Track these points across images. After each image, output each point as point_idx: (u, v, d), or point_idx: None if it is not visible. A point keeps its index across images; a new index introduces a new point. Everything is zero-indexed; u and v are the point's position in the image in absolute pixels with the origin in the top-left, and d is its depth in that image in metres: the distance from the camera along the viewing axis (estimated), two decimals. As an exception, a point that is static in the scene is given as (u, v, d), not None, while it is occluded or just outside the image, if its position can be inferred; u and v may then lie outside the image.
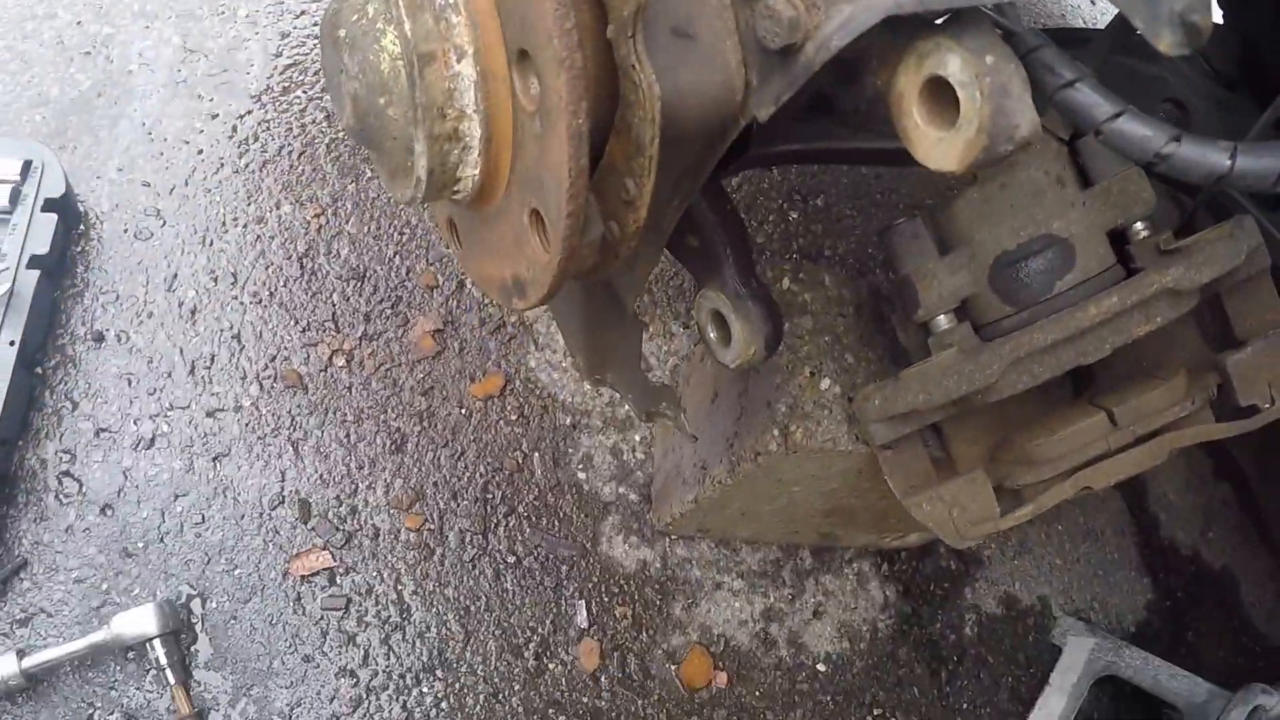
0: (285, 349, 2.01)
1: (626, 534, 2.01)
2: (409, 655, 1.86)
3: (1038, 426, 1.40)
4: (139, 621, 1.74)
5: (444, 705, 1.84)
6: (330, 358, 2.01)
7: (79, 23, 2.24)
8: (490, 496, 1.98)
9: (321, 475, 1.93)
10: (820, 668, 2.00)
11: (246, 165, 2.15)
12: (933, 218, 1.35)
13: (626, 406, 2.04)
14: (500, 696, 1.86)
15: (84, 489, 1.86)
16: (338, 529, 1.90)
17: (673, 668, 1.94)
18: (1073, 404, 1.44)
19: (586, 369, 1.40)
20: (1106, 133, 0.91)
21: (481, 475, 1.99)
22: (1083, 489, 1.38)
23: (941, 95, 0.79)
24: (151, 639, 1.73)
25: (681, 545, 2.02)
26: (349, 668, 1.83)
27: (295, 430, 1.95)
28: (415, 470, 1.97)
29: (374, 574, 1.89)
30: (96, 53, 2.19)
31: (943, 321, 1.30)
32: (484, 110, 0.90)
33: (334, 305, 2.06)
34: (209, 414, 1.94)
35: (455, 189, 0.98)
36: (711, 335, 1.23)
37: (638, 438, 2.07)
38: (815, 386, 1.49)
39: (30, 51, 2.17)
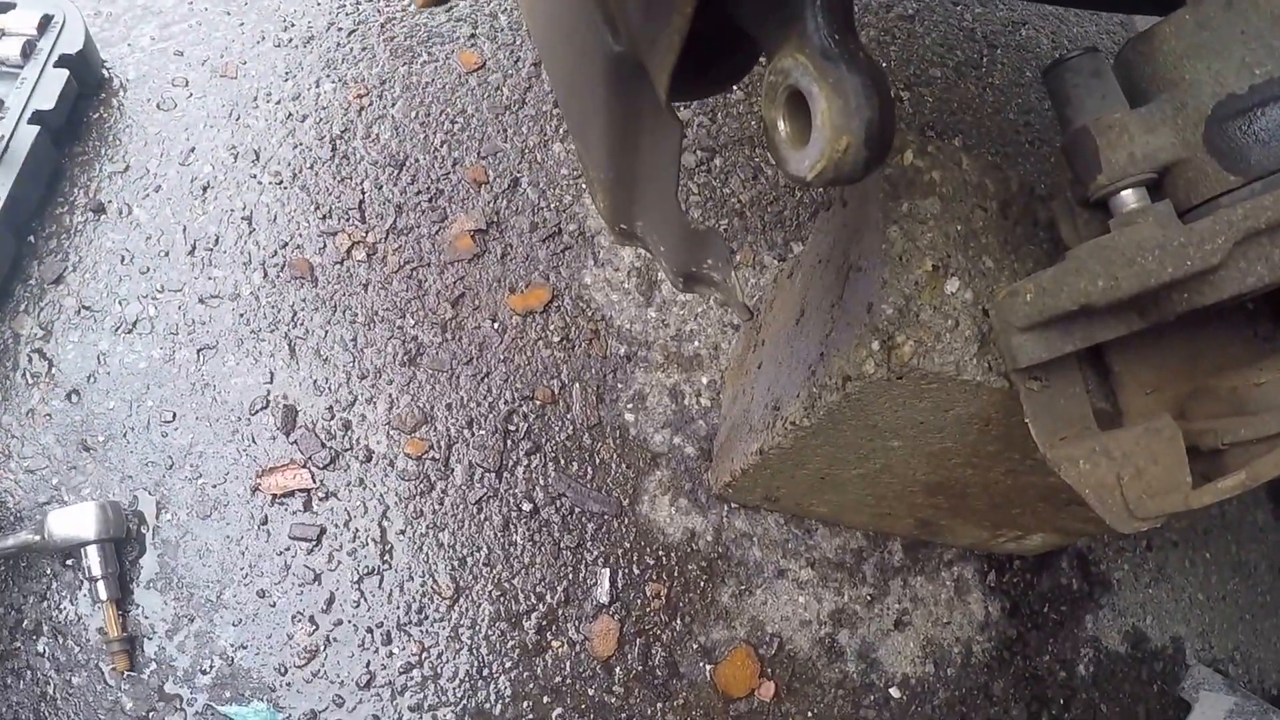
0: (300, 236, 1.71)
1: (675, 494, 1.59)
2: (382, 606, 1.49)
3: (1253, 370, 0.94)
4: (75, 523, 1.45)
5: (414, 674, 1.46)
6: (350, 250, 1.71)
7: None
8: (513, 429, 1.61)
9: (316, 381, 1.62)
10: (894, 693, 1.52)
11: (290, 40, 1.90)
12: (1121, 59, 0.94)
13: (664, 275, 1.64)
14: (485, 672, 1.47)
15: (54, 370, 1.60)
16: (324, 445, 1.57)
17: (708, 668, 1.50)
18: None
19: (610, 208, 1.03)
20: None
21: (506, 403, 1.62)
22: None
23: None
24: (86, 544, 1.45)
25: (742, 517, 1.59)
26: (309, 612, 1.48)
27: (295, 327, 1.65)
28: (428, 388, 1.63)
29: (357, 503, 1.55)
30: (150, -85, 2.01)
31: (1129, 198, 0.88)
32: None
33: (363, 193, 1.76)
34: (202, 300, 1.66)
35: None
36: (782, 130, 0.79)
37: (705, 380, 1.66)
38: (937, 287, 1.06)
39: (82, -88, 2.01)
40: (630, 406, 1.64)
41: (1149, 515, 0.94)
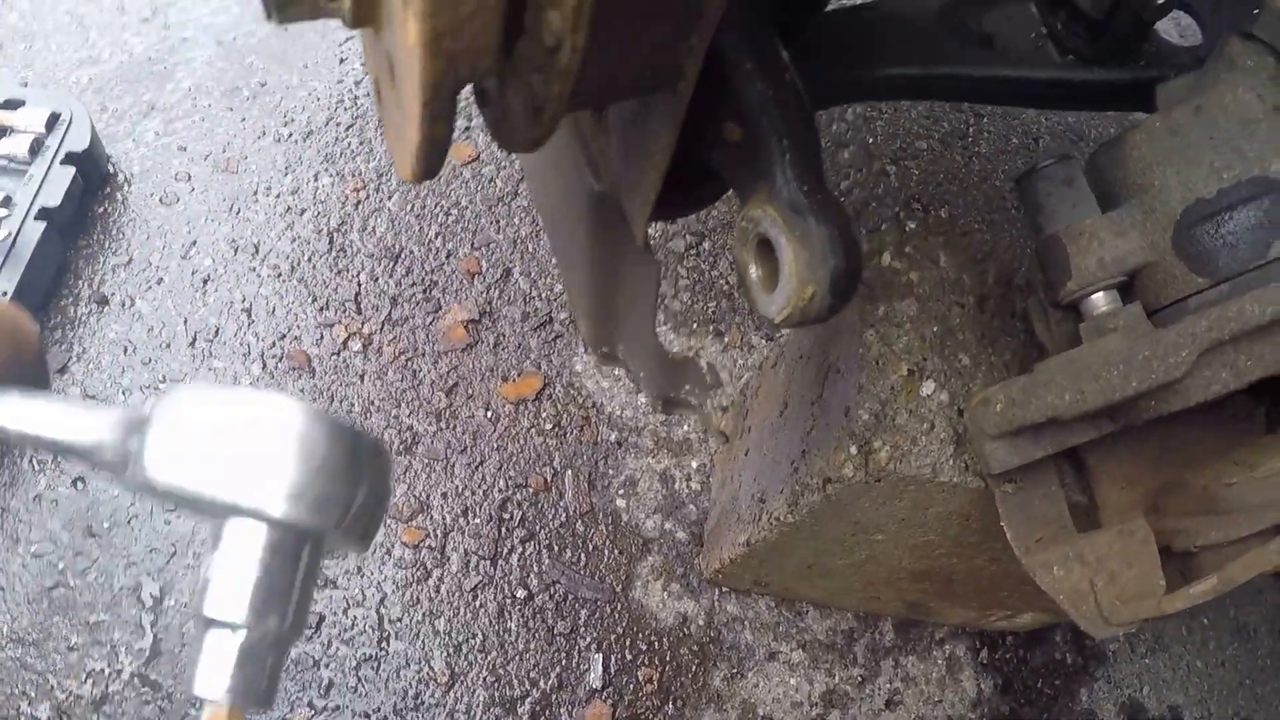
0: (298, 328, 1.76)
1: (667, 579, 1.63)
2: (379, 693, 1.52)
3: (1225, 463, 0.98)
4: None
5: (413, 760, 1.49)
6: (346, 341, 1.76)
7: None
8: (507, 517, 1.65)
9: (314, 471, 1.65)
10: (887, 772, 1.55)
11: (289, 135, 1.97)
12: (1093, 163, 0.98)
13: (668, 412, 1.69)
14: (483, 759, 1.50)
15: (59, 458, 1.64)
16: (322, 534, 1.61)
17: (702, 750, 1.54)
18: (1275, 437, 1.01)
19: (591, 333, 1.08)
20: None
21: (500, 491, 1.67)
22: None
23: None
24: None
25: (734, 601, 1.62)
26: (308, 698, 1.51)
27: (293, 418, 1.69)
28: (424, 476, 1.67)
29: (355, 592, 1.58)
30: (155, 18, 2.10)
31: (1100, 301, 0.91)
32: None
33: (359, 285, 1.81)
34: (202, 391, 1.70)
35: None
36: (754, 274, 0.82)
37: (694, 464, 1.71)
38: (913, 390, 1.11)
39: (90, 15, 2.10)
40: (622, 492, 1.68)
41: (1123, 621, 0.97)
